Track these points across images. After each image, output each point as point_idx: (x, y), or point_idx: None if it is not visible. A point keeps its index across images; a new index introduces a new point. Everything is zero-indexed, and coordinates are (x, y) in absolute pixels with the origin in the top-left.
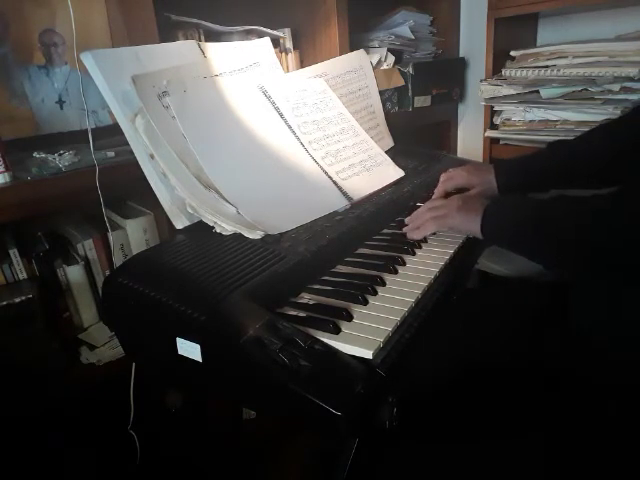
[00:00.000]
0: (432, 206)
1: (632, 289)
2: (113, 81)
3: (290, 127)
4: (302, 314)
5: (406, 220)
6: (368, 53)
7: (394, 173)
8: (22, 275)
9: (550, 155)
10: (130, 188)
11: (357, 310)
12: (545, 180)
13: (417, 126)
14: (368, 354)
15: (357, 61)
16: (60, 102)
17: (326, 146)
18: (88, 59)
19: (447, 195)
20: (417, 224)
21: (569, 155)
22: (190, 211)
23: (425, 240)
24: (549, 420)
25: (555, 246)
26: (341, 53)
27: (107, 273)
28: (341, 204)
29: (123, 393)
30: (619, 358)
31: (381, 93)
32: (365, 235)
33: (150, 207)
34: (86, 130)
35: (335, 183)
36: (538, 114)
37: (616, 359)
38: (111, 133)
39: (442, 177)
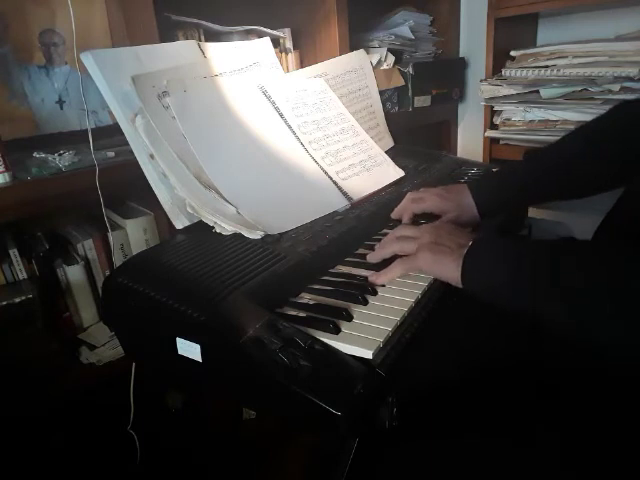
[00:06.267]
0: (400, 235)
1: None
2: (113, 81)
3: (290, 127)
4: (302, 314)
5: (368, 257)
6: (368, 53)
7: (394, 173)
8: (22, 275)
9: (526, 168)
10: (130, 188)
11: (357, 310)
12: (525, 195)
13: (417, 126)
14: (368, 354)
15: (357, 61)
16: (60, 102)
17: (326, 146)
18: (88, 59)
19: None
20: (381, 255)
21: (545, 166)
22: (190, 211)
23: None
24: (549, 421)
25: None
26: (341, 53)
27: (107, 273)
28: (341, 204)
29: (123, 393)
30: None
31: (381, 93)
32: (365, 235)
33: (150, 207)
34: (86, 130)
35: (335, 183)
36: (538, 114)
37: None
38: (111, 133)
39: (409, 195)
